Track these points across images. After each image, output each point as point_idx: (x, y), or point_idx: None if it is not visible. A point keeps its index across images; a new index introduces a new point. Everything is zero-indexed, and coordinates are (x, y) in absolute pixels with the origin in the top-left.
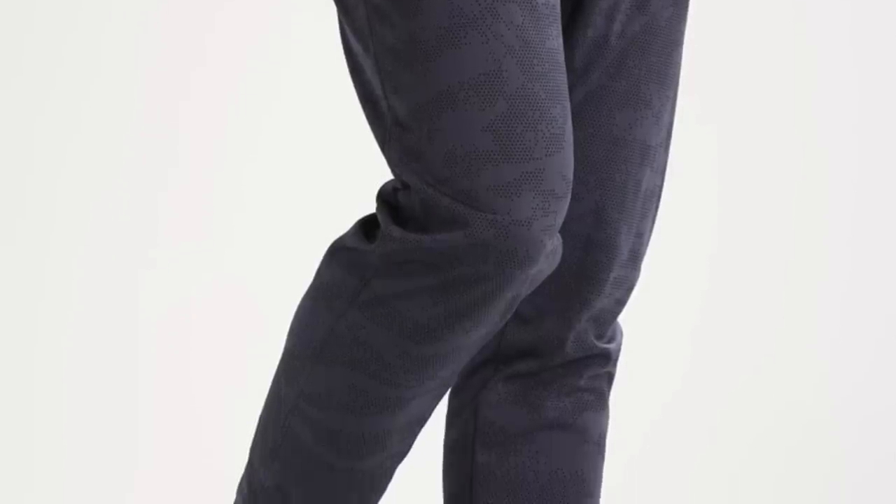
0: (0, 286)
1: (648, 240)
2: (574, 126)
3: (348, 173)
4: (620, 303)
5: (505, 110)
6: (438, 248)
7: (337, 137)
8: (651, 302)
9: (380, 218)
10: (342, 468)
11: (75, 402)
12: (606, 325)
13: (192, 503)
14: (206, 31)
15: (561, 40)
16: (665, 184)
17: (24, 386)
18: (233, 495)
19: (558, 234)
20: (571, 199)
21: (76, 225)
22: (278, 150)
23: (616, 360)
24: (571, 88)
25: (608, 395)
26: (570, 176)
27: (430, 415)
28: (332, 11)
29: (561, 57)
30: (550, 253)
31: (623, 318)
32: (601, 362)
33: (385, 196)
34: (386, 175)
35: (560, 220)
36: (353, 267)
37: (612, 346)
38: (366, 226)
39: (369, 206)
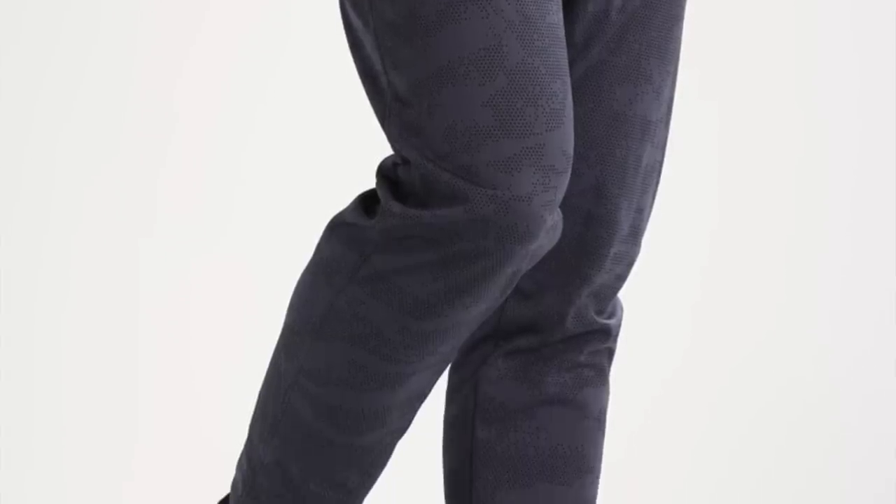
0: None
1: (649, 215)
2: (574, 101)
3: (348, 148)
4: (621, 278)
5: (505, 85)
6: (438, 223)
7: (336, 113)
8: (651, 278)
9: (380, 193)
10: (342, 444)
11: (75, 381)
12: (607, 301)
13: (192, 479)
14: (203, 9)
15: (561, 15)
16: (665, 159)
17: (23, 371)
18: (232, 471)
19: (558, 210)
20: (572, 174)
21: (74, 207)
22: (278, 126)
23: (616, 335)
24: (572, 63)
25: (608, 370)
26: (571, 151)
27: (429, 390)
28: None
29: (561, 32)
30: (551, 228)
31: (623, 294)
32: (601, 338)
33: (385, 171)
34: (386, 150)
35: (560, 195)
36: (352, 242)
37: (612, 321)
38: (366, 201)
39: (369, 182)
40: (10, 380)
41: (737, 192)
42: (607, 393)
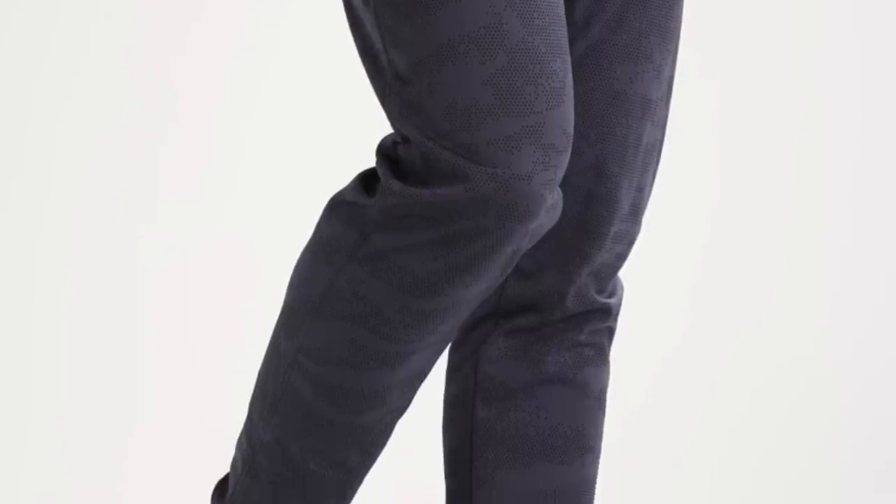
0: None
1: (649, 194)
2: (574, 80)
3: (348, 127)
4: (621, 257)
5: (505, 64)
6: (438, 202)
7: (336, 91)
8: (652, 257)
9: (380, 172)
10: (342, 423)
11: (73, 358)
12: (607, 280)
13: (192, 458)
14: None
15: None
16: (666, 138)
17: (22, 349)
18: (232, 451)
19: (559, 189)
20: (572, 153)
21: (74, 179)
22: (278, 104)
23: (617, 314)
24: (572, 42)
25: (609, 349)
26: (571, 130)
27: (430, 370)
28: None
29: (561, 10)
30: (551, 207)
31: (624, 273)
32: (602, 317)
33: (385, 150)
34: (386, 129)
35: (560, 174)
36: (352, 221)
37: (612, 300)
38: (366, 180)
39: (369, 160)
40: (8, 363)
41: (737, 172)
42: (608, 372)
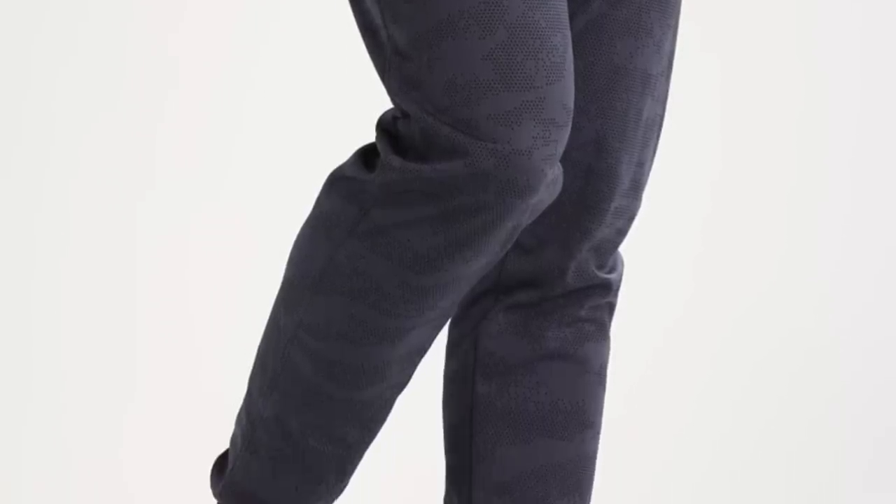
0: None
1: (650, 169)
2: (575, 55)
3: (348, 102)
4: (621, 233)
5: (505, 39)
6: (438, 177)
7: (336, 66)
8: (652, 232)
9: (379, 147)
10: (341, 398)
11: (72, 332)
12: (607, 255)
13: (191, 433)
14: None
15: None
16: (666, 113)
17: (21, 322)
18: (231, 426)
19: (559, 164)
20: (572, 128)
21: (72, 154)
22: (278, 79)
23: (617, 290)
24: (572, 17)
25: (609, 325)
26: (571, 105)
27: (429, 345)
28: None
29: None
30: (551, 182)
31: (624, 249)
32: (602, 292)
33: (385, 125)
34: (386, 104)
35: (561, 149)
36: (352, 196)
37: (613, 276)
38: (365, 155)
39: (369, 136)
40: (7, 335)
41: (738, 144)
42: (608, 348)
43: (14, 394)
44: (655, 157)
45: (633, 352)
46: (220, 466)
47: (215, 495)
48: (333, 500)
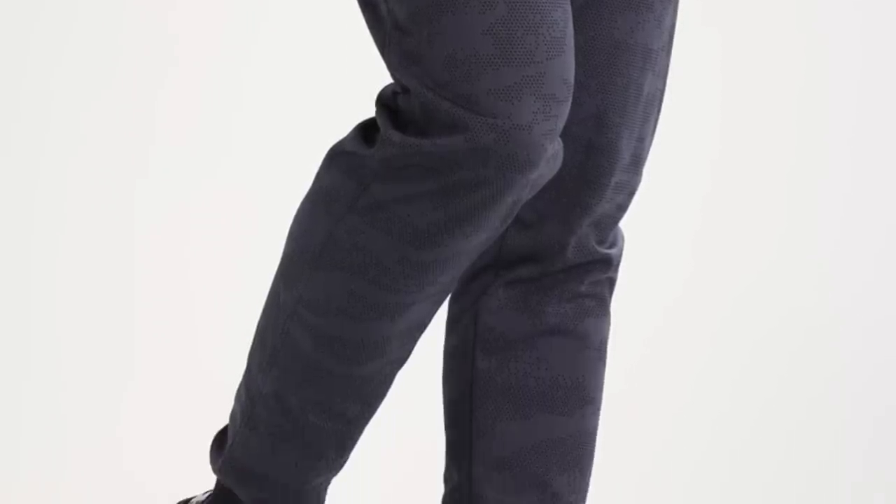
0: None
1: (650, 144)
2: (575, 30)
3: (347, 77)
4: (622, 208)
5: (505, 13)
6: (438, 152)
7: (336, 41)
8: (653, 207)
9: (379, 122)
10: (341, 374)
11: (70, 307)
12: (607, 231)
13: (190, 411)
14: None
15: None
16: (667, 88)
17: (20, 296)
18: (231, 402)
19: (559, 139)
20: (572, 103)
21: (72, 124)
22: (277, 55)
23: (617, 265)
24: None
25: (609, 300)
26: (571, 80)
27: (429, 321)
28: None
29: None
30: (551, 157)
31: (624, 224)
32: (602, 268)
33: (384, 100)
34: (385, 79)
35: (561, 124)
36: (352, 171)
37: (613, 251)
38: (365, 130)
39: (369, 111)
40: (6, 310)
41: (739, 121)
42: (608, 323)
43: (12, 374)
44: (656, 133)
45: (634, 328)
46: (220, 443)
47: (215, 471)
48: (333, 475)
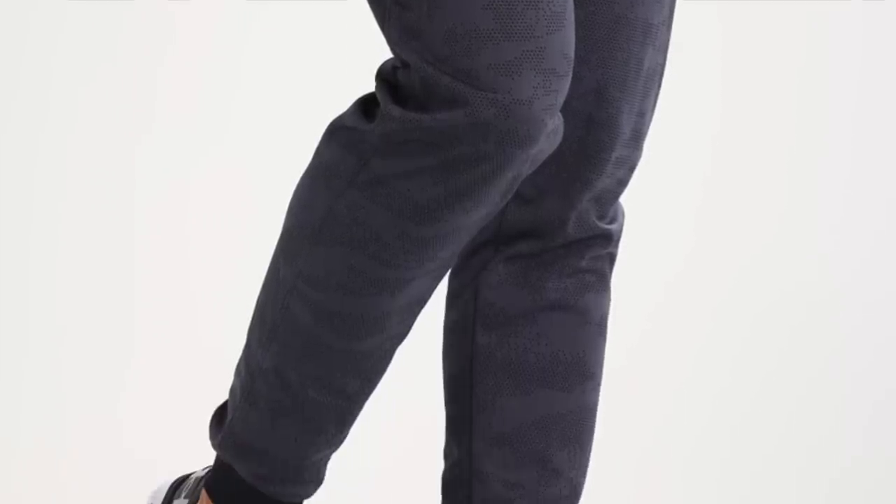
0: None
1: (651, 119)
2: (575, 4)
3: (347, 52)
4: (622, 183)
5: None
6: (438, 127)
7: (336, 16)
8: (654, 183)
9: (379, 97)
10: (341, 349)
11: (71, 282)
12: (608, 206)
13: (189, 387)
14: None
15: None
16: (667, 62)
17: (20, 273)
18: (230, 378)
19: (559, 114)
20: (573, 77)
21: (72, 102)
22: (277, 28)
23: (618, 240)
24: None
25: (610, 276)
26: (572, 54)
27: (429, 296)
28: None
29: None
30: (551, 132)
31: (625, 199)
32: (603, 243)
33: (384, 75)
34: (385, 54)
35: (561, 99)
36: (352, 146)
37: (613, 226)
38: (365, 105)
39: (369, 86)
40: (5, 289)
41: (739, 97)
42: (609, 299)
43: (12, 353)
44: (656, 107)
45: (635, 304)
46: (219, 418)
47: (214, 447)
48: (333, 451)
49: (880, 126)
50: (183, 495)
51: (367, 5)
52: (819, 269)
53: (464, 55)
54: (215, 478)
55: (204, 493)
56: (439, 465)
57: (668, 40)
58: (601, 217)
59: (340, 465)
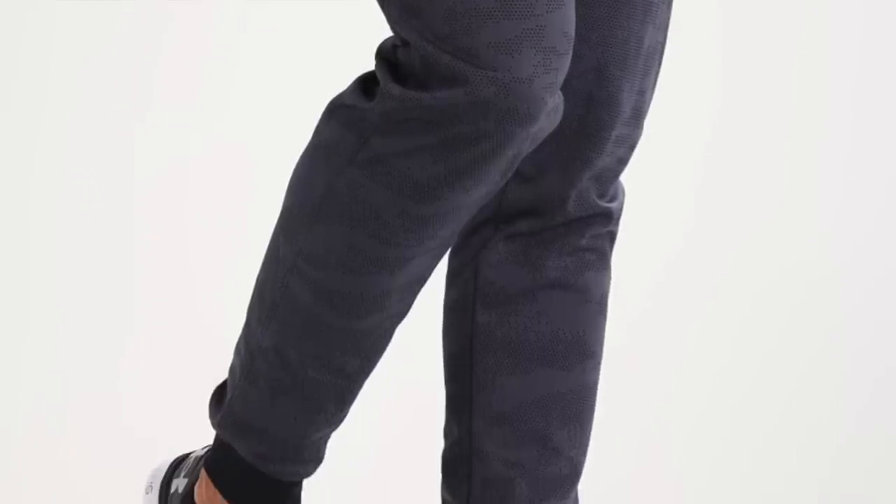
0: None
1: (651, 98)
2: None
3: (347, 30)
4: (622, 161)
5: None
6: (438, 105)
7: None
8: (654, 161)
9: (379, 75)
10: (340, 328)
11: (71, 259)
12: (608, 184)
13: (189, 365)
14: None
15: None
16: (667, 41)
17: (20, 249)
18: (230, 357)
19: (559, 92)
20: (573, 56)
21: (71, 85)
22: (277, 7)
23: (618, 219)
24: None
25: (610, 254)
26: (572, 33)
27: (429, 275)
28: None
29: None
30: (552, 111)
31: (625, 178)
32: (603, 221)
33: (384, 53)
34: (385, 32)
35: (561, 77)
36: (352, 125)
37: (614, 205)
38: (365, 83)
39: (368, 64)
40: (5, 264)
41: (740, 75)
42: (609, 277)
43: (11, 331)
44: (657, 86)
45: (635, 282)
46: (219, 396)
47: (214, 425)
48: (333, 429)
49: (881, 103)
50: (182, 474)
51: None
52: (819, 248)
53: (464, 33)
54: (215, 457)
55: (203, 472)
56: (439, 444)
57: (668, 18)
58: (601, 195)
59: (340, 443)
